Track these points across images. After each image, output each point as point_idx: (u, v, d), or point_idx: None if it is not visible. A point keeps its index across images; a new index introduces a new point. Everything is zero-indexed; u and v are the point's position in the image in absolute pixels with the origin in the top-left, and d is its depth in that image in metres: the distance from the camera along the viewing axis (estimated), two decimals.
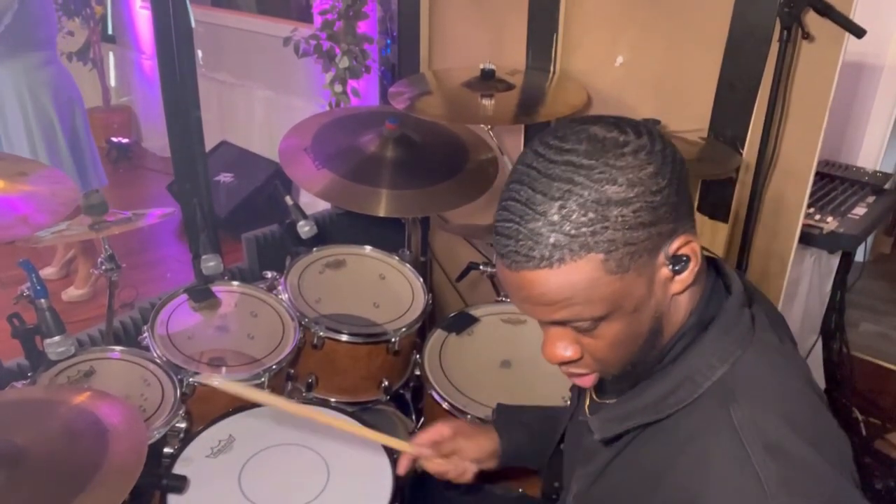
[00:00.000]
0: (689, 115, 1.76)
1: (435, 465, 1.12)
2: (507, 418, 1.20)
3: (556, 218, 0.66)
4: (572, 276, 0.67)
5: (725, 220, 1.77)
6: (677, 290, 0.73)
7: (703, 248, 0.75)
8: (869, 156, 2.60)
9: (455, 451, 1.12)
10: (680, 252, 0.71)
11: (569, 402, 1.08)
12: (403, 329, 1.64)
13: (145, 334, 1.48)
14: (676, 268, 0.71)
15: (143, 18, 4.38)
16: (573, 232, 0.66)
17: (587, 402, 0.92)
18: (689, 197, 0.73)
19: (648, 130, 0.70)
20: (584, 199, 0.65)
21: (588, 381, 0.79)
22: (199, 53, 2.02)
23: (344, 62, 2.55)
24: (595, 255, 0.66)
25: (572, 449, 0.97)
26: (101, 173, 2.93)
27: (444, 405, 1.46)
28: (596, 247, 0.66)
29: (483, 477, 1.16)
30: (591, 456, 0.84)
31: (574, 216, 0.66)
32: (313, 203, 2.48)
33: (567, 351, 0.75)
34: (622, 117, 0.71)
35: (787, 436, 0.67)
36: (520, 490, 1.30)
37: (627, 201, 0.66)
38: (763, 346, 0.75)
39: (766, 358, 0.74)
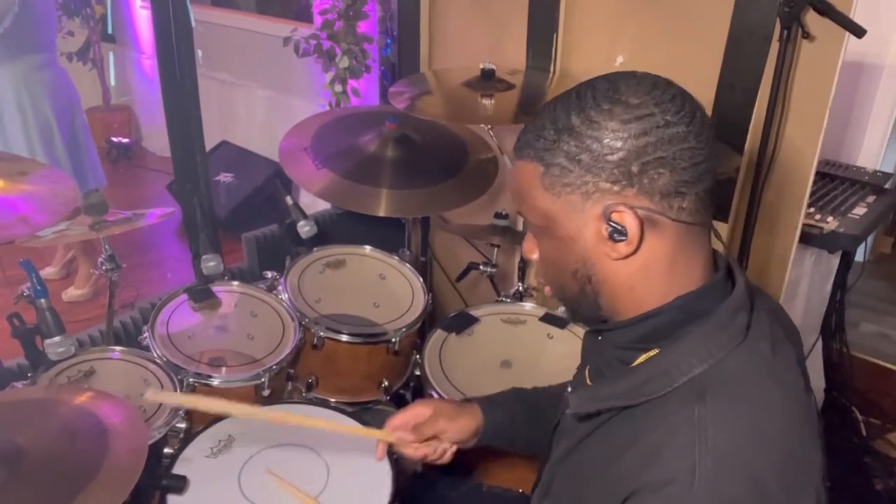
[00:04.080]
0: None
1: (412, 450, 1.08)
2: (490, 397, 1.17)
3: (536, 125, 0.78)
4: (522, 174, 0.79)
5: (725, 220, 1.77)
6: (613, 256, 0.76)
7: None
8: (869, 155, 2.61)
9: (436, 434, 1.08)
10: (615, 219, 0.73)
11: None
12: (403, 329, 1.64)
13: (145, 334, 1.48)
14: (614, 235, 0.74)
15: (143, 18, 4.38)
16: (533, 139, 0.77)
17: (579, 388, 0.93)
18: (686, 193, 0.73)
19: (677, 109, 0.73)
20: (554, 118, 0.76)
21: (547, 290, 0.89)
22: (199, 53, 2.02)
23: (344, 62, 2.55)
24: (537, 164, 0.77)
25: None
26: (99, 175, 2.92)
27: None
28: (541, 159, 0.76)
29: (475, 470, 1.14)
30: (571, 430, 0.86)
31: (540, 128, 0.77)
32: (313, 203, 2.48)
33: (528, 246, 0.87)
34: (670, 83, 0.77)
35: (743, 444, 0.68)
36: (520, 490, 1.30)
37: (580, 136, 0.73)
38: (751, 354, 0.74)
39: (749, 366, 0.74)
